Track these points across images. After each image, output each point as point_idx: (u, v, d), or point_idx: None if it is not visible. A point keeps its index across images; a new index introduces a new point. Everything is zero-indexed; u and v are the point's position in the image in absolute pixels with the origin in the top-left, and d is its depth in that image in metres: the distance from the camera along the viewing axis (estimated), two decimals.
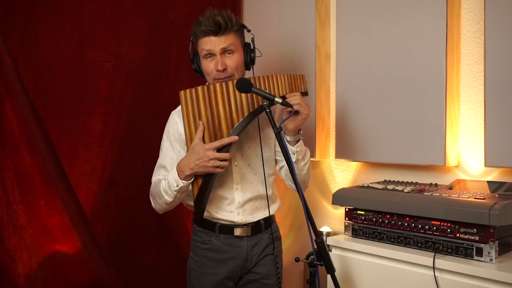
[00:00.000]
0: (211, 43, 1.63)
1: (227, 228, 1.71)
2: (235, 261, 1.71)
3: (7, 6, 2.02)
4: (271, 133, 1.76)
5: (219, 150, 1.55)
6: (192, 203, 1.70)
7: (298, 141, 1.66)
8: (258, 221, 1.74)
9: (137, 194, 2.29)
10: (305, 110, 1.60)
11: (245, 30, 1.74)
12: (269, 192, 1.76)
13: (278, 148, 1.77)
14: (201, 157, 1.53)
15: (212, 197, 1.69)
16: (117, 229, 2.34)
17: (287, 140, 1.65)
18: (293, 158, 1.64)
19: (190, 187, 1.63)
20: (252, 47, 1.72)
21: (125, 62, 2.34)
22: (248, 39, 1.74)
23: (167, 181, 1.61)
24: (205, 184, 1.60)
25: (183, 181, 1.57)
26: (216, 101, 1.59)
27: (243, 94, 1.59)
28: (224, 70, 1.64)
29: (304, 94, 1.73)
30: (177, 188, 1.58)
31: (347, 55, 2.27)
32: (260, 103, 1.59)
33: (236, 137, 1.57)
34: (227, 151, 1.56)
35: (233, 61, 1.65)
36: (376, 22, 2.14)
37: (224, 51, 1.64)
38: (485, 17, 1.79)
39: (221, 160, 1.54)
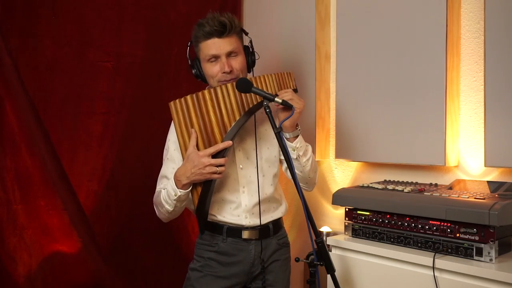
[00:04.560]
0: (215, 47, 1.61)
1: (235, 231, 1.68)
2: (241, 265, 1.69)
3: (7, 6, 2.02)
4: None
5: (214, 156, 1.54)
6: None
7: (297, 136, 1.65)
8: (267, 225, 1.72)
9: (137, 194, 2.30)
10: (298, 105, 1.57)
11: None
12: (274, 193, 1.74)
13: None
14: (196, 164, 1.52)
15: (219, 201, 1.69)
16: (117, 229, 2.34)
17: (286, 138, 1.64)
18: (294, 155, 1.63)
19: (190, 195, 1.62)
20: (251, 50, 1.72)
21: (125, 62, 2.34)
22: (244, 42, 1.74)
23: (166, 191, 1.60)
24: (205, 192, 1.59)
25: (181, 190, 1.56)
26: (206, 108, 1.59)
27: (232, 98, 1.59)
28: (230, 71, 1.63)
29: (294, 91, 1.70)
30: (175, 197, 1.57)
31: (347, 55, 2.27)
32: (250, 106, 1.59)
33: (231, 142, 1.56)
34: (223, 156, 1.55)
35: (238, 62, 1.65)
36: (376, 22, 2.14)
37: (229, 54, 1.63)
38: (485, 17, 1.79)
39: (217, 166, 1.53)
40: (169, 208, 1.60)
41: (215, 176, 1.54)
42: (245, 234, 1.68)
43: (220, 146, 1.55)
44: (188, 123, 1.59)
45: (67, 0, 2.18)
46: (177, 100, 1.60)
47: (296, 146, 1.64)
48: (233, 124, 1.58)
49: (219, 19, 1.60)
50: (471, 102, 1.94)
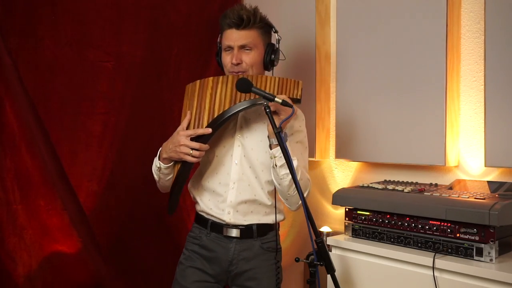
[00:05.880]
0: (231, 38, 1.66)
1: (218, 227, 1.70)
2: (220, 261, 1.69)
3: (7, 6, 2.02)
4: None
5: (196, 140, 1.58)
6: (193, 193, 1.77)
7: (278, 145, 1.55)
8: (250, 226, 1.68)
9: (137, 194, 2.30)
10: (283, 111, 1.52)
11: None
12: (267, 200, 1.70)
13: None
14: (174, 141, 1.59)
15: (210, 192, 1.72)
16: (117, 229, 2.34)
17: (269, 143, 1.58)
18: (271, 163, 1.58)
19: None
20: (275, 48, 1.72)
21: (125, 62, 2.34)
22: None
23: (155, 160, 1.68)
24: (180, 171, 1.64)
25: (160, 162, 1.62)
26: (206, 94, 1.63)
27: (228, 90, 1.61)
28: (238, 64, 1.66)
29: (297, 101, 1.63)
30: (157, 168, 1.64)
31: (347, 55, 2.27)
32: (243, 100, 1.60)
33: (209, 130, 1.58)
34: (205, 143, 1.59)
35: (250, 57, 1.67)
36: (376, 22, 2.14)
37: (242, 47, 1.66)
38: (485, 17, 1.79)
39: (194, 150, 1.56)
40: (156, 177, 1.68)
41: (188, 158, 1.57)
42: (226, 231, 1.69)
43: (199, 131, 1.59)
44: (190, 105, 1.65)
45: (67, 0, 2.18)
46: (191, 83, 1.67)
47: (275, 155, 1.55)
48: (219, 114, 1.60)
49: (239, 12, 1.64)
50: (471, 102, 1.94)
